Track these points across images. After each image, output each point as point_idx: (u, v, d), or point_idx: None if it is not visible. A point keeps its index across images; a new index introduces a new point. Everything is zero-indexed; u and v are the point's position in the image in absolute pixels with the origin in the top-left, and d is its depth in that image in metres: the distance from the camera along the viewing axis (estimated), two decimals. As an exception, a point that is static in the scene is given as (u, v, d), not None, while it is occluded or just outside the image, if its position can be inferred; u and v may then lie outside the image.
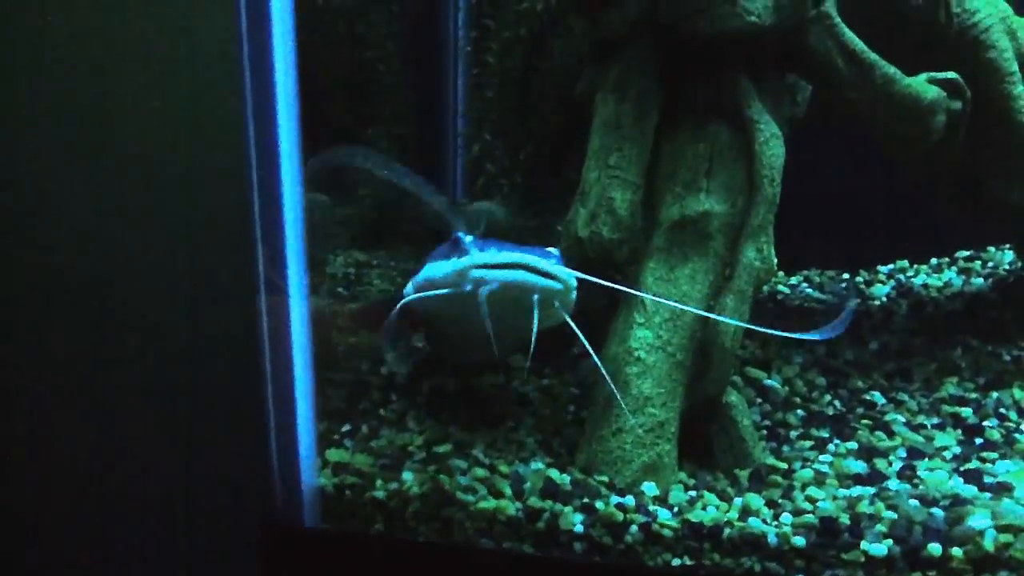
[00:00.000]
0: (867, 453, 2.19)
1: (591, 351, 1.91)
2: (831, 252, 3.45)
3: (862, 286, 3.32)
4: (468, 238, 2.00)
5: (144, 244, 2.54)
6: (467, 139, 3.30)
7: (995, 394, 2.50)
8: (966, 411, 2.42)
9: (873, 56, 2.12)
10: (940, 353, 2.74)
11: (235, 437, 2.35)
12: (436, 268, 2.05)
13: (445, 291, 1.97)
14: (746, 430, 2.11)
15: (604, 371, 1.93)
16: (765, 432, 2.30)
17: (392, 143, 3.21)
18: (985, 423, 2.36)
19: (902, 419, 2.39)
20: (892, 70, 2.14)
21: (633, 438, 1.97)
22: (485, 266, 1.89)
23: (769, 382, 2.56)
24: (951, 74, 2.30)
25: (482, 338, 1.89)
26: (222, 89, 2.19)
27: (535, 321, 1.86)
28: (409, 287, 2.18)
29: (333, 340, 2.55)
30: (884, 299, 3.20)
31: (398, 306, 2.12)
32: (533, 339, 1.85)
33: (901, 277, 3.36)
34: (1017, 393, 2.50)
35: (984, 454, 2.20)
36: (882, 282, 3.33)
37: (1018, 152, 2.43)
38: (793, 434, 2.30)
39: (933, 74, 2.31)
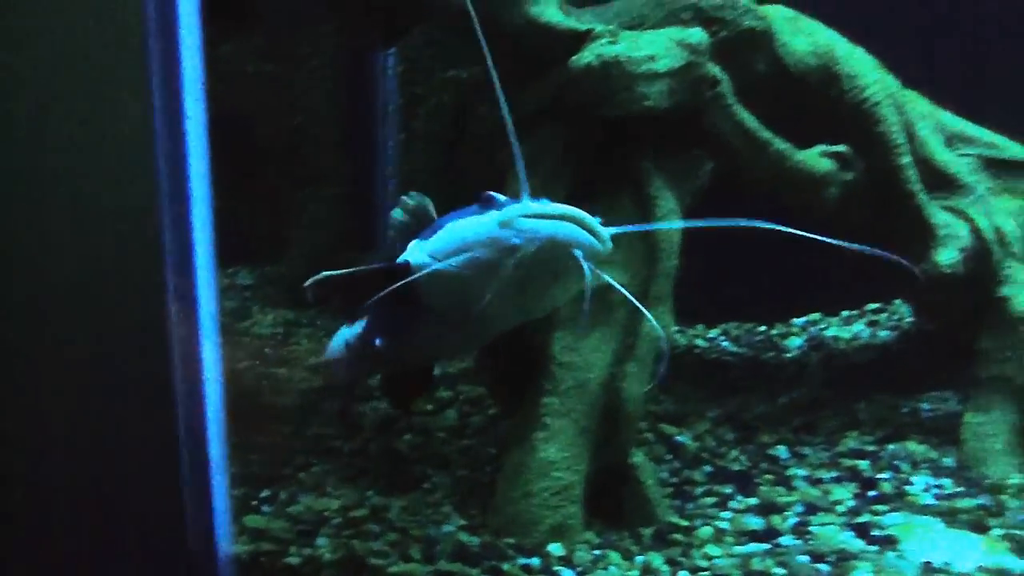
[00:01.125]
0: (766, 509, 2.30)
1: (634, 300, 1.84)
2: (749, 305, 3.60)
3: (777, 339, 3.46)
4: (501, 196, 1.83)
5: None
6: (396, 200, 3.40)
7: (892, 446, 2.63)
8: (863, 464, 2.54)
9: (766, 134, 2.26)
10: (845, 406, 2.88)
11: (149, 502, 2.37)
12: (468, 227, 1.83)
13: (477, 254, 1.76)
14: (651, 489, 2.20)
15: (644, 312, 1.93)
16: (672, 489, 2.40)
17: (324, 203, 3.30)
18: (880, 476, 2.48)
19: (803, 473, 2.51)
20: (784, 146, 2.28)
21: (540, 501, 2.06)
22: (535, 216, 1.72)
23: (680, 438, 2.67)
24: (842, 147, 2.46)
25: (491, 316, 1.79)
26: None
27: (567, 287, 1.78)
28: (416, 255, 1.93)
29: (256, 403, 2.61)
30: (797, 352, 3.35)
31: (401, 282, 1.85)
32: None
33: (814, 330, 3.51)
34: (912, 445, 2.63)
35: (876, 507, 2.32)
36: (796, 334, 3.48)
37: (908, 216, 2.59)
38: (699, 491, 2.40)
39: (827, 147, 2.47)
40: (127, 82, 1.84)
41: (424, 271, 1.87)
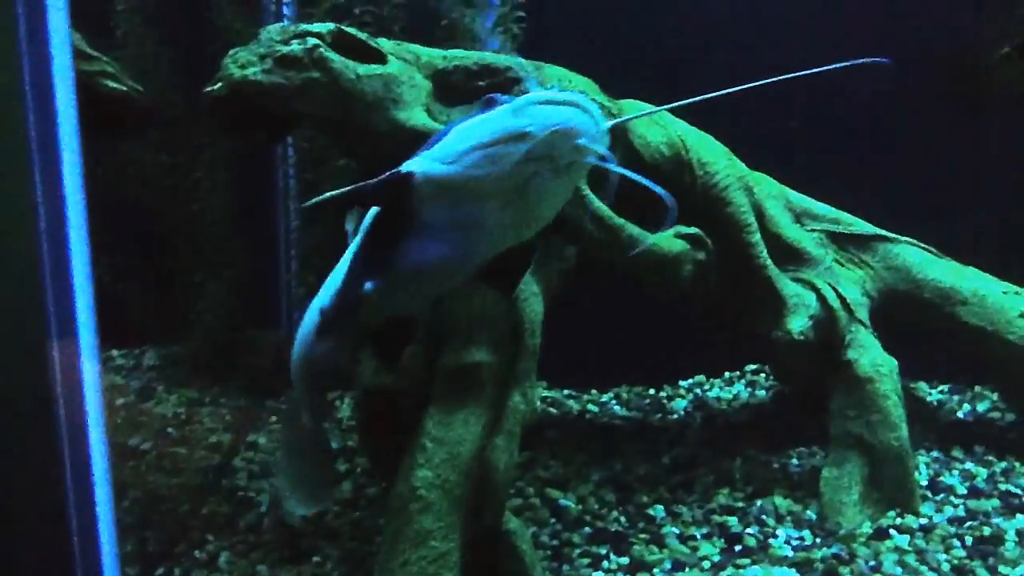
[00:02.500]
0: (636, 567, 2.46)
1: (654, 187, 1.74)
2: (639, 369, 3.80)
3: (664, 400, 3.67)
4: (504, 96, 1.81)
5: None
6: (297, 278, 3.55)
7: (759, 502, 2.83)
8: (732, 520, 2.73)
9: (619, 220, 2.47)
10: (722, 463, 3.08)
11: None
12: (477, 125, 1.78)
13: (489, 150, 1.72)
14: (526, 555, 2.35)
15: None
16: (551, 552, 2.55)
17: (224, 284, 3.43)
18: (747, 530, 2.67)
19: (676, 531, 2.68)
20: (637, 231, 2.50)
21: (418, 569, 2.18)
22: (547, 102, 1.70)
23: (563, 502, 2.82)
24: (694, 229, 2.69)
25: (493, 230, 1.78)
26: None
27: (567, 186, 1.78)
28: (419, 164, 1.84)
29: (154, 482, 2.70)
30: (682, 412, 3.55)
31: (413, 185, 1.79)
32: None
33: (699, 391, 3.73)
34: (778, 500, 2.83)
35: (739, 560, 2.50)
36: (682, 396, 3.69)
37: (761, 288, 2.82)
38: (576, 552, 2.56)
39: (680, 228, 2.69)
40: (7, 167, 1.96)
41: (433, 172, 1.80)
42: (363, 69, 2.29)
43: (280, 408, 3.21)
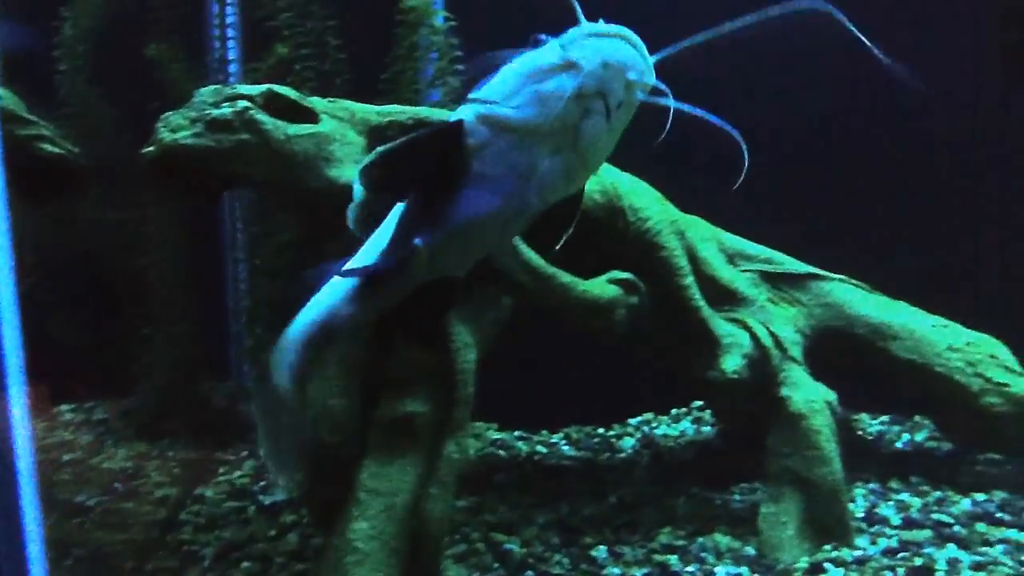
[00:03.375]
0: (575, 610, 2.51)
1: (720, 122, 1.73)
2: (590, 408, 3.86)
3: (613, 439, 3.72)
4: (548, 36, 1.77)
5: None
6: (247, 329, 3.58)
7: (701, 539, 2.87)
8: (673, 558, 2.77)
9: (551, 269, 2.54)
10: (666, 502, 3.13)
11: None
12: (526, 62, 1.75)
13: (541, 87, 1.70)
14: (465, 601, 2.39)
15: None
16: (493, 597, 2.59)
17: (173, 338, 3.46)
18: (687, 569, 2.72)
19: (618, 572, 2.72)
20: (568, 279, 2.57)
21: (356, 621, 2.22)
22: (595, 35, 1.69)
23: (508, 546, 2.86)
24: (627, 274, 2.76)
25: (545, 179, 1.74)
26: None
27: (617, 126, 1.74)
28: (468, 111, 1.79)
29: (98, 538, 2.71)
30: (630, 451, 3.60)
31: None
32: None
33: (647, 428, 3.78)
34: (719, 537, 2.88)
35: (677, 600, 2.55)
36: (630, 434, 3.75)
37: (695, 329, 2.89)
38: (518, 597, 2.60)
39: (614, 274, 2.77)
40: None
41: (488, 114, 1.75)
42: (293, 129, 2.35)
43: (227, 460, 3.24)
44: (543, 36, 1.76)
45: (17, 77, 2.69)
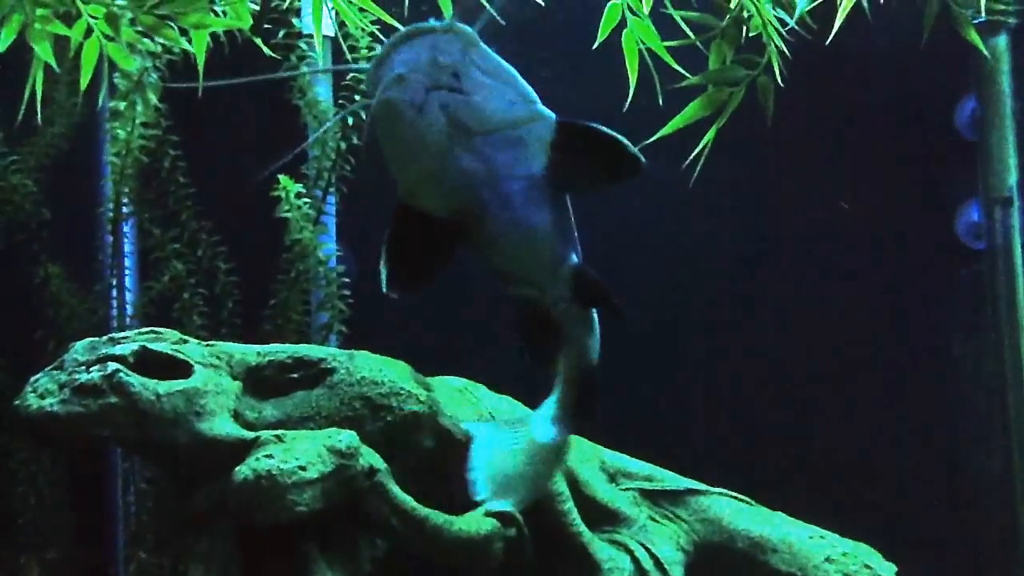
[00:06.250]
0: None
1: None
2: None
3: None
4: None
5: None
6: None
7: None
8: None
9: (424, 511, 2.57)
10: None
11: None
12: None
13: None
14: None
15: None
16: None
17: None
18: None
19: None
20: (443, 519, 2.59)
21: None
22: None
23: None
24: (506, 505, 2.81)
25: None
26: None
27: None
28: None
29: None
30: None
31: None
32: None
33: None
34: None
35: None
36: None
37: (575, 555, 2.92)
38: None
39: (489, 504, 2.81)
40: None
41: None
42: (164, 387, 2.39)
43: None
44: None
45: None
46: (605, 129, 2.11)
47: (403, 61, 1.97)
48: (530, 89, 2.11)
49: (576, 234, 2.34)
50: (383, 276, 2.20)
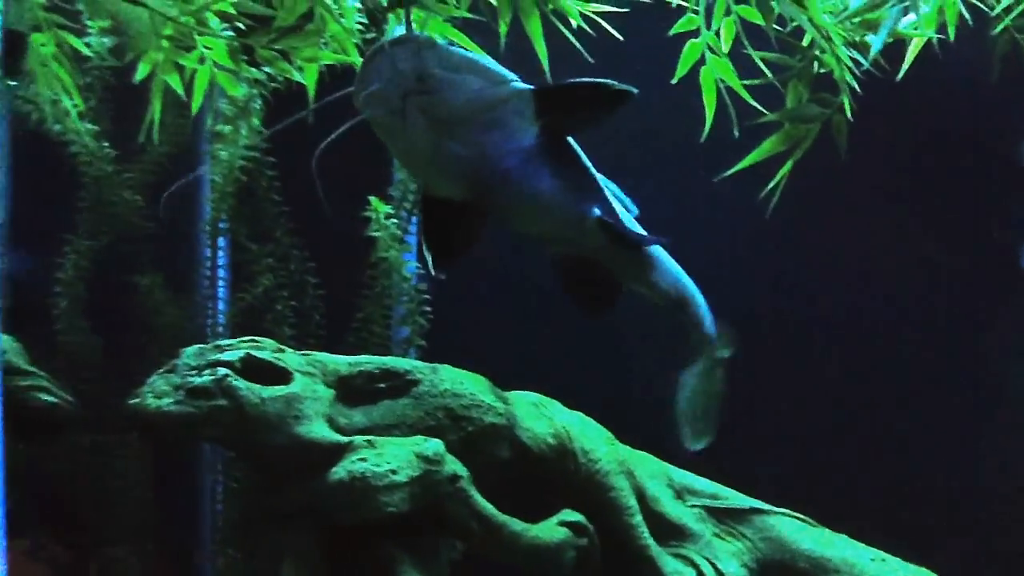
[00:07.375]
0: None
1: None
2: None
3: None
4: None
5: None
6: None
7: None
8: None
9: (502, 517, 2.72)
10: None
11: None
12: None
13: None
14: None
15: None
16: None
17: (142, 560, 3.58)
18: None
19: None
20: (520, 526, 2.74)
21: None
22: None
23: None
24: (576, 515, 2.94)
25: None
26: None
27: None
28: None
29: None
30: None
31: None
32: None
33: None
34: None
35: None
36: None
37: (642, 568, 3.04)
38: None
39: (564, 514, 2.94)
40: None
41: None
42: (267, 392, 2.58)
43: None
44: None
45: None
46: (582, 80, 2.28)
47: (376, 79, 2.19)
48: (501, 71, 2.29)
49: (599, 185, 2.52)
50: (428, 261, 2.42)
